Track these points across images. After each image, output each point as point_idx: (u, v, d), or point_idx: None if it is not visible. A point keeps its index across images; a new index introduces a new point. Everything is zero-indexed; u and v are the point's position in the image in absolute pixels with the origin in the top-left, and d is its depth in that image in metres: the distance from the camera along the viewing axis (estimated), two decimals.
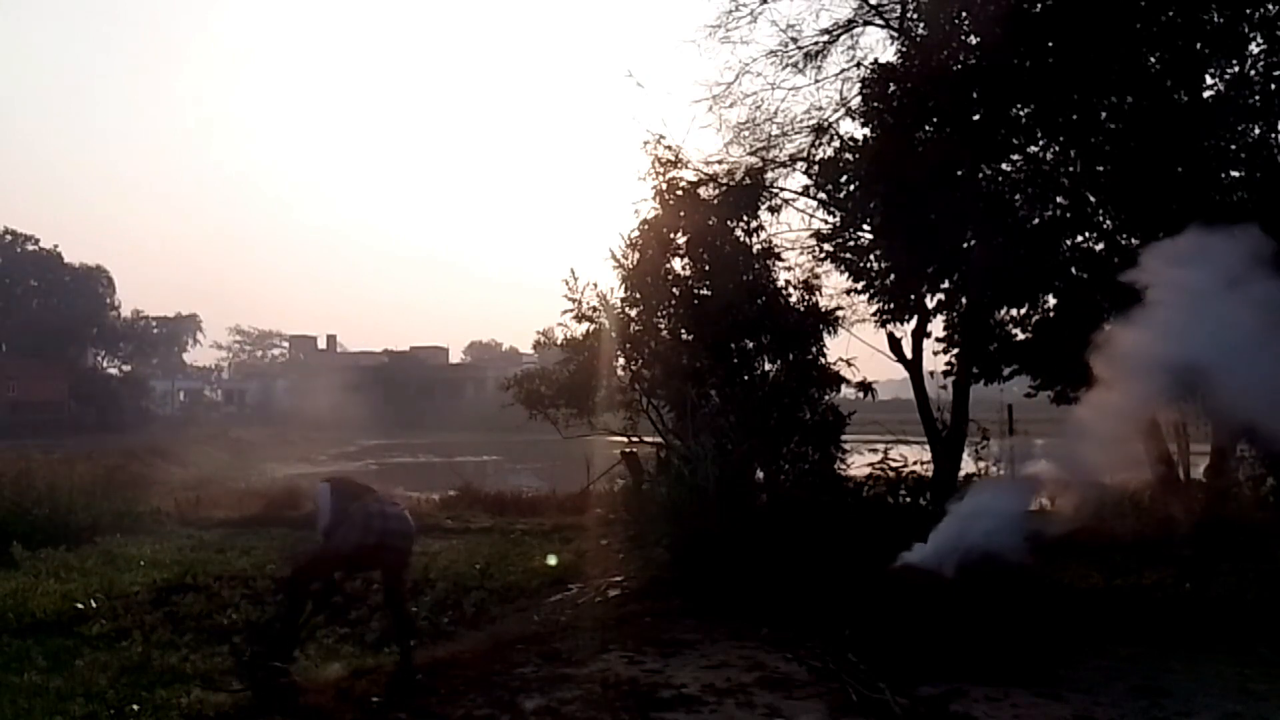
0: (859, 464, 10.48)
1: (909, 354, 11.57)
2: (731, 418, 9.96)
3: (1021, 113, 10.65)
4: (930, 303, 11.69)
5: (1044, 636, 6.11)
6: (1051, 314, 11.36)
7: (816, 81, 12.42)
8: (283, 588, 6.19)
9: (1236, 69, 10.11)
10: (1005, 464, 10.04)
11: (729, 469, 8.98)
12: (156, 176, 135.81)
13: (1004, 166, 11.33)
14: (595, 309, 11.74)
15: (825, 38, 12.15)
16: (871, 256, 11.63)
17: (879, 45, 13.71)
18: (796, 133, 12.48)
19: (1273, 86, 9.90)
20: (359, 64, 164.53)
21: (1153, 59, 10.02)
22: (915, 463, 9.73)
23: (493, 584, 9.09)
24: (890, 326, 11.59)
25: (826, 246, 11.83)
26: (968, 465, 10.69)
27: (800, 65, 12.29)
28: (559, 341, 12.17)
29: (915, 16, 11.66)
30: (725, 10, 12.32)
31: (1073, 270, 11.02)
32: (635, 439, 12.03)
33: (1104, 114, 10.28)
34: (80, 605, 8.04)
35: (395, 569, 6.38)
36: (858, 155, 11.39)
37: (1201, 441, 10.73)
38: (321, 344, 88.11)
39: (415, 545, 11.81)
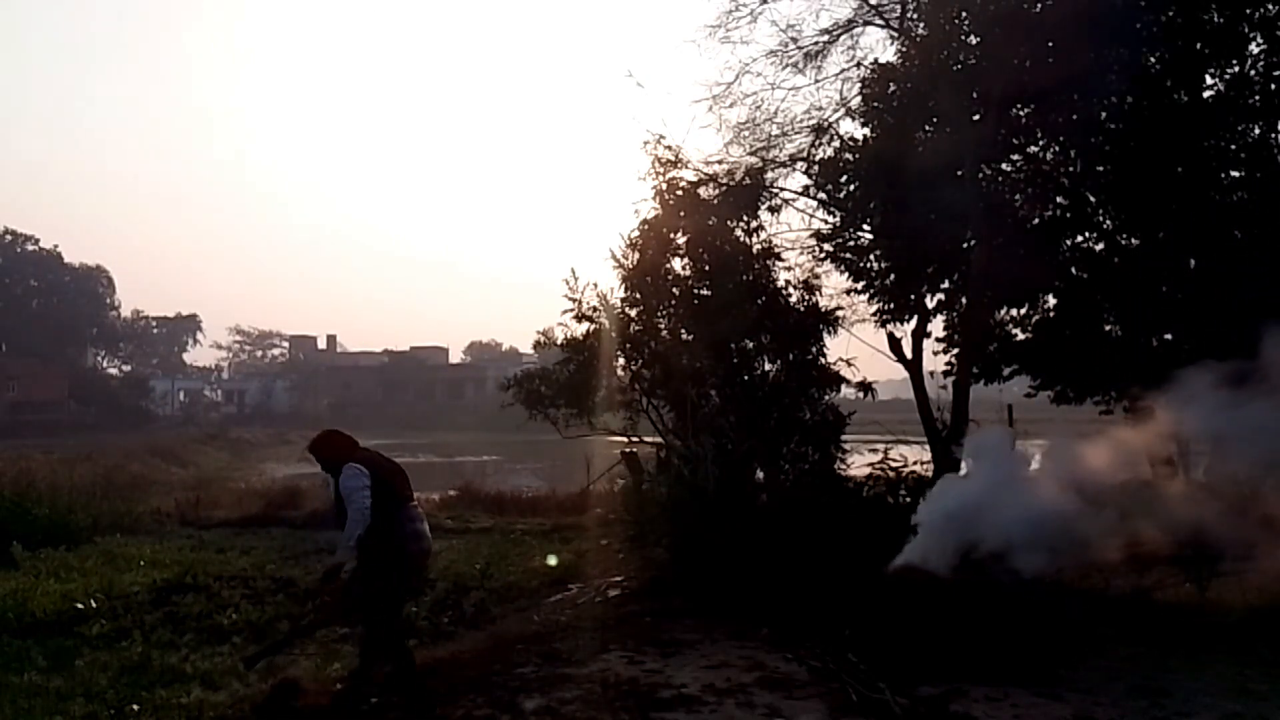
0: (859, 464, 10.46)
1: (909, 354, 11.57)
2: (731, 418, 9.96)
3: (1021, 113, 10.65)
4: (930, 303, 11.72)
5: (1044, 636, 6.11)
6: (1051, 314, 11.38)
7: (816, 81, 12.41)
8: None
9: (1236, 69, 10.11)
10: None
11: (729, 469, 8.96)
12: (156, 177, 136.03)
13: (1004, 166, 11.34)
14: (595, 309, 11.73)
15: (825, 38, 12.14)
16: (871, 256, 11.66)
17: (879, 45, 13.76)
18: (796, 133, 12.47)
19: (1273, 86, 9.90)
20: (360, 64, 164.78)
21: (1153, 59, 10.02)
22: (915, 463, 9.70)
23: (493, 584, 9.10)
24: (890, 326, 11.63)
25: (826, 246, 11.85)
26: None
27: (800, 65, 12.29)
28: (559, 341, 12.15)
29: (915, 16, 11.66)
30: (725, 10, 12.31)
31: (1073, 270, 11.02)
32: (635, 439, 12.01)
33: (1104, 114, 10.28)
34: (80, 605, 8.05)
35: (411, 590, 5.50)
36: (858, 155, 11.40)
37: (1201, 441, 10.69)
38: (321, 344, 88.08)
39: None
